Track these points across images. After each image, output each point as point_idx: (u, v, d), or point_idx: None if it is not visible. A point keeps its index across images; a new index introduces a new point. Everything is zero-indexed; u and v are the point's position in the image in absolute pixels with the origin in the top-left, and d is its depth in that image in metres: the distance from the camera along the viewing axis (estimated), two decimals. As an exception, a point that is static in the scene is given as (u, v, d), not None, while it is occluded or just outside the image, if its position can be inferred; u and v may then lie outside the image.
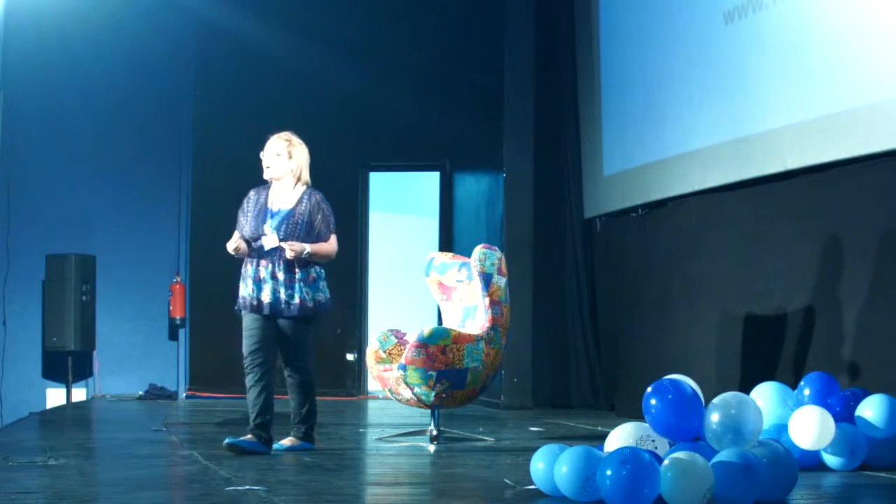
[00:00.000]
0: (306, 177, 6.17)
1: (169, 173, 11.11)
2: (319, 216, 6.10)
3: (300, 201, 6.11)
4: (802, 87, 6.87)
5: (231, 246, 6.06)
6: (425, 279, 7.28)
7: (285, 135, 6.17)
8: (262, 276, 6.01)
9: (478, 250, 6.87)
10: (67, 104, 10.84)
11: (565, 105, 9.93)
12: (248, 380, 6.02)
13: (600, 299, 9.65)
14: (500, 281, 6.86)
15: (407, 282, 11.06)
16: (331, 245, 6.14)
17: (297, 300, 6.00)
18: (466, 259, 7.08)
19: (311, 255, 6.02)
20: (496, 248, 7.00)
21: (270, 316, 6.02)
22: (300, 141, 6.18)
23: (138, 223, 11.04)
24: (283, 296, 5.99)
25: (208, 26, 10.91)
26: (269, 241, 6.01)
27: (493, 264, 6.85)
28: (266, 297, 6.00)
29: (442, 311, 7.35)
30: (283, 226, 6.04)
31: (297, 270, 6.02)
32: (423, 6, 10.95)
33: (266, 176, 6.13)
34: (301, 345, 6.07)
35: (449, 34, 10.86)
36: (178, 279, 10.95)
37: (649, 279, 8.75)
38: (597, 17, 9.45)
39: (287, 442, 6.14)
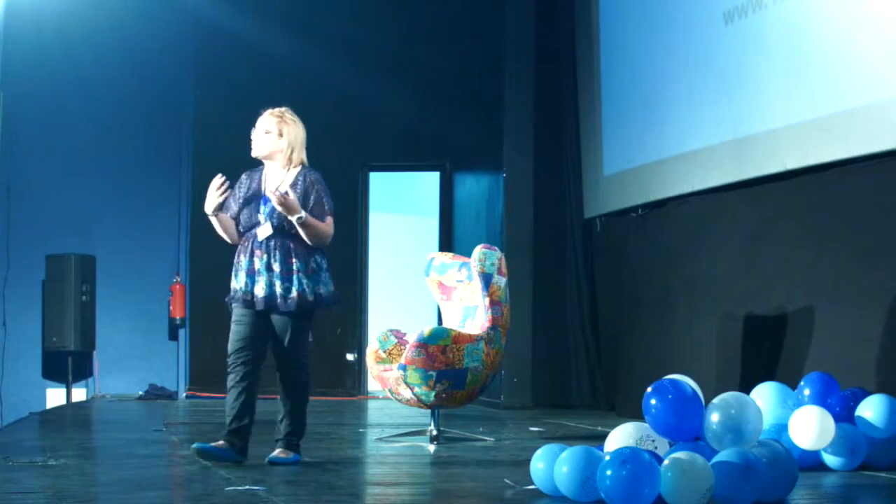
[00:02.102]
0: (301, 157, 5.61)
1: (169, 173, 11.11)
2: (313, 196, 5.50)
3: (294, 183, 5.52)
4: (802, 87, 6.87)
5: (209, 204, 5.55)
6: (425, 279, 7.29)
7: (279, 111, 5.64)
8: (256, 269, 5.47)
9: (478, 250, 6.87)
10: (67, 104, 10.84)
11: (565, 105, 9.93)
12: (230, 379, 5.48)
13: (600, 299, 9.65)
14: (500, 281, 6.86)
15: (407, 282, 11.07)
16: (326, 225, 5.53)
17: (294, 294, 5.44)
18: (466, 259, 7.08)
19: (303, 223, 5.40)
20: (496, 248, 7.00)
21: (263, 311, 5.49)
22: (295, 118, 5.65)
23: (138, 223, 11.04)
24: (279, 289, 5.44)
25: (208, 26, 10.92)
26: (263, 230, 5.50)
27: (493, 264, 6.85)
28: (260, 290, 5.45)
29: (442, 311, 7.35)
30: (276, 212, 5.45)
31: (294, 260, 5.46)
32: (423, 6, 10.95)
33: (253, 154, 5.64)
34: (299, 343, 5.49)
35: (449, 34, 10.86)
36: (178, 279, 10.96)
37: (649, 279, 8.75)
38: (597, 17, 9.45)
39: (283, 454, 5.50)
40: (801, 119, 6.87)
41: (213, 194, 5.55)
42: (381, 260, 11.49)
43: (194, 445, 5.49)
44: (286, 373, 5.53)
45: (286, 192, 5.39)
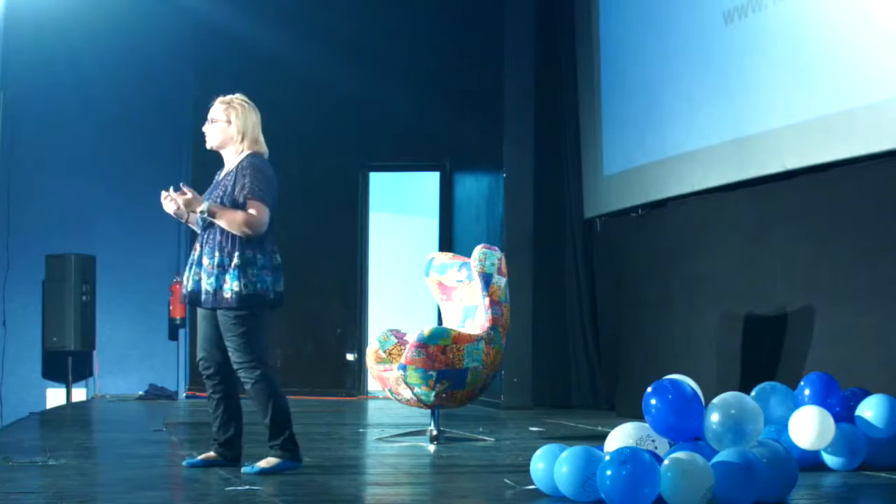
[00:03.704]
0: (252, 143, 5.31)
1: (169, 173, 11.08)
2: (240, 182, 5.19)
3: (231, 171, 5.29)
4: (802, 87, 6.87)
5: (169, 206, 5.29)
6: (425, 279, 7.29)
7: (228, 97, 5.40)
8: (192, 262, 5.26)
9: (478, 250, 6.87)
10: (67, 104, 10.84)
11: (565, 105, 9.93)
12: (206, 388, 5.36)
13: (600, 299, 9.65)
14: (500, 281, 6.87)
15: (407, 282, 11.07)
16: (251, 213, 5.13)
17: (213, 289, 5.14)
18: (466, 259, 7.08)
19: (212, 215, 5.15)
20: (496, 248, 7.00)
21: (209, 309, 5.23)
22: (245, 102, 5.37)
23: (138, 223, 11.03)
24: (204, 284, 5.17)
25: (208, 26, 10.92)
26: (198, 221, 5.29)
27: (493, 264, 6.85)
28: (189, 285, 5.23)
29: (442, 311, 7.35)
30: (208, 200, 5.26)
31: (217, 254, 5.16)
32: (423, 6, 10.95)
33: (207, 146, 5.46)
34: (237, 344, 5.15)
35: (449, 34, 10.86)
36: (178, 279, 10.95)
37: (649, 279, 8.75)
38: (597, 17, 9.45)
39: (263, 463, 5.15)
40: (801, 119, 6.87)
41: (164, 203, 5.35)
42: (381, 260, 11.49)
43: (185, 462, 5.38)
44: (242, 377, 5.21)
45: (181, 190, 5.20)
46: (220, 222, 5.18)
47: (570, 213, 9.84)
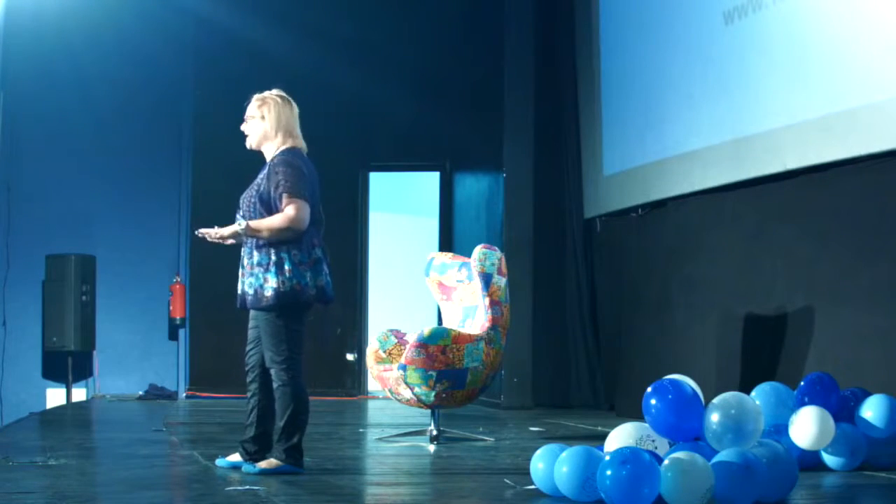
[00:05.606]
0: (288, 139, 5.23)
1: (169, 173, 11.11)
2: (276, 179, 5.10)
3: (265, 169, 5.22)
4: (802, 87, 6.88)
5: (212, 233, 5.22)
6: (425, 279, 7.29)
7: (263, 93, 5.30)
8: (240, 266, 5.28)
9: (478, 250, 6.88)
10: (67, 104, 10.84)
11: (565, 105, 9.93)
12: (247, 389, 5.36)
13: (600, 299, 9.65)
14: (500, 281, 6.87)
15: (407, 282, 11.07)
16: (285, 215, 5.06)
17: (252, 290, 5.13)
18: (466, 259, 7.08)
19: (254, 232, 5.10)
20: (496, 248, 7.00)
21: (252, 310, 5.25)
22: (279, 96, 5.29)
23: (138, 223, 11.04)
24: (246, 286, 5.17)
25: (208, 26, 10.91)
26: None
27: (493, 264, 6.85)
28: (238, 288, 5.24)
29: (442, 311, 7.35)
30: (244, 207, 5.22)
31: (255, 254, 5.13)
32: (423, 6, 10.95)
33: (247, 146, 5.33)
34: (271, 343, 5.13)
35: (449, 34, 10.86)
36: (178, 279, 10.96)
37: (649, 279, 8.75)
38: (597, 17, 9.45)
39: (264, 464, 5.16)
40: (801, 119, 6.88)
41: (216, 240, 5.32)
42: (381, 260, 11.49)
43: (217, 461, 5.39)
44: (271, 373, 5.20)
45: (212, 233, 5.19)
46: (265, 235, 5.11)
47: (570, 213, 9.84)
